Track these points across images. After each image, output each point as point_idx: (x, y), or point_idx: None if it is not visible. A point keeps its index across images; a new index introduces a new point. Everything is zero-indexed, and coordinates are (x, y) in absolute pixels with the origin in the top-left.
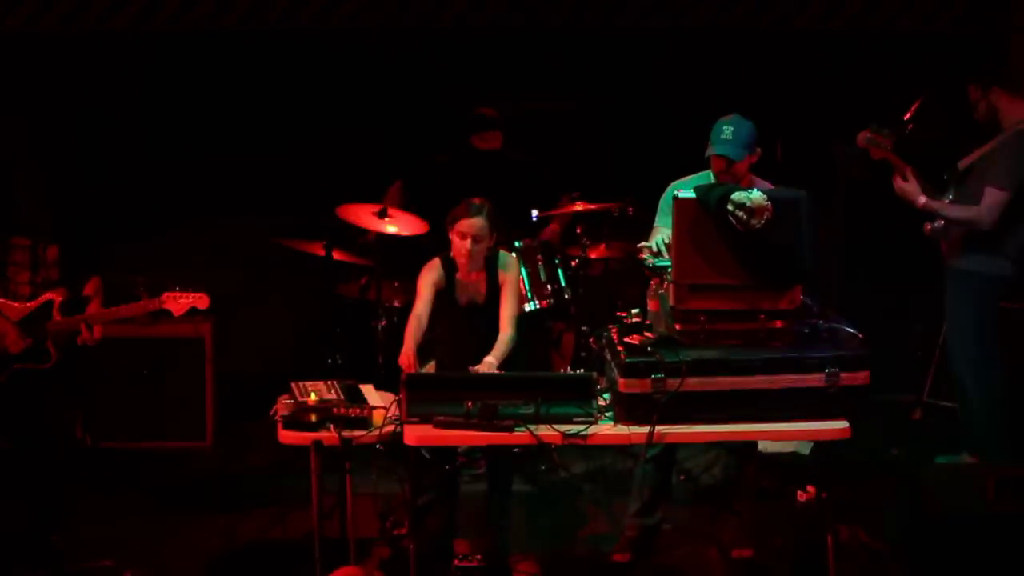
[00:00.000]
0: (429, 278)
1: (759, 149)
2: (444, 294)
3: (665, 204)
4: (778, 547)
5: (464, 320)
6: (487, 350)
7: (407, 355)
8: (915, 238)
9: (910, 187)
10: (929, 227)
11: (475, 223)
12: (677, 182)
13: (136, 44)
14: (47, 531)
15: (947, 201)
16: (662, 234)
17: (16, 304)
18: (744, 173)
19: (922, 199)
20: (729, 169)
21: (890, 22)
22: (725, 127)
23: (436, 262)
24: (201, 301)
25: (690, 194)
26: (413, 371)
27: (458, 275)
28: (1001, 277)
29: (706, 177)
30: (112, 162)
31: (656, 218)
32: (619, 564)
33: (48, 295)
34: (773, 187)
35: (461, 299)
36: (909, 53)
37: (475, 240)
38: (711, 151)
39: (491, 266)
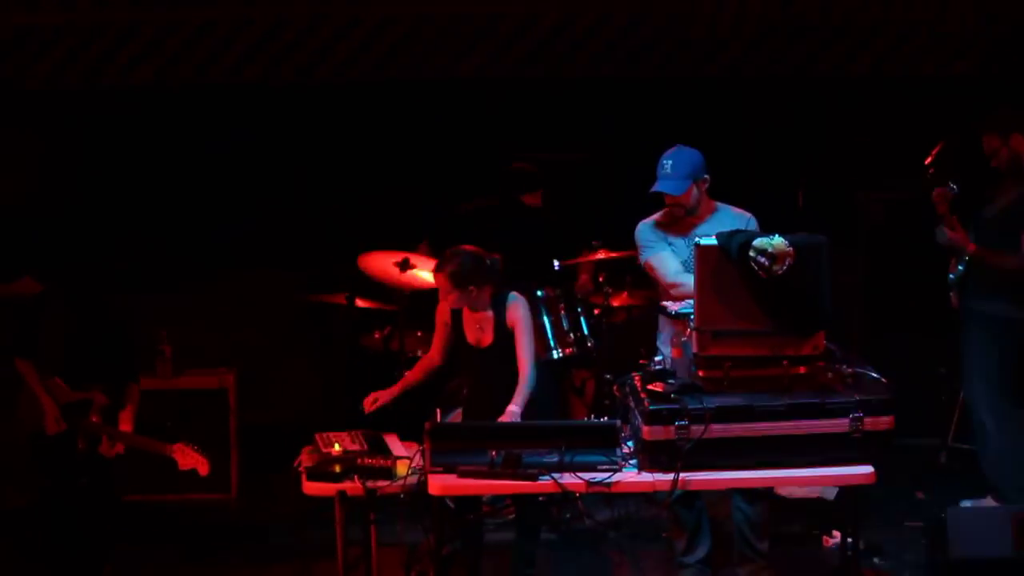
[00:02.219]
0: (439, 315)
1: (707, 176)
2: (454, 331)
3: (643, 239)
4: None
5: (475, 361)
6: (501, 392)
7: (379, 393)
8: (936, 282)
9: (959, 236)
10: (952, 273)
11: (436, 280)
12: (643, 221)
13: (159, 99)
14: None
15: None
16: (668, 262)
17: (65, 387)
18: (696, 202)
19: (972, 247)
20: (674, 201)
21: (910, 67)
22: (665, 162)
23: None
24: (203, 467)
25: (712, 241)
26: (369, 409)
27: (465, 312)
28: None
29: (670, 213)
30: (137, 215)
31: (642, 255)
32: None
33: (93, 393)
34: (740, 211)
35: (469, 337)
36: (929, 97)
37: (444, 294)
38: (652, 189)
39: (499, 307)
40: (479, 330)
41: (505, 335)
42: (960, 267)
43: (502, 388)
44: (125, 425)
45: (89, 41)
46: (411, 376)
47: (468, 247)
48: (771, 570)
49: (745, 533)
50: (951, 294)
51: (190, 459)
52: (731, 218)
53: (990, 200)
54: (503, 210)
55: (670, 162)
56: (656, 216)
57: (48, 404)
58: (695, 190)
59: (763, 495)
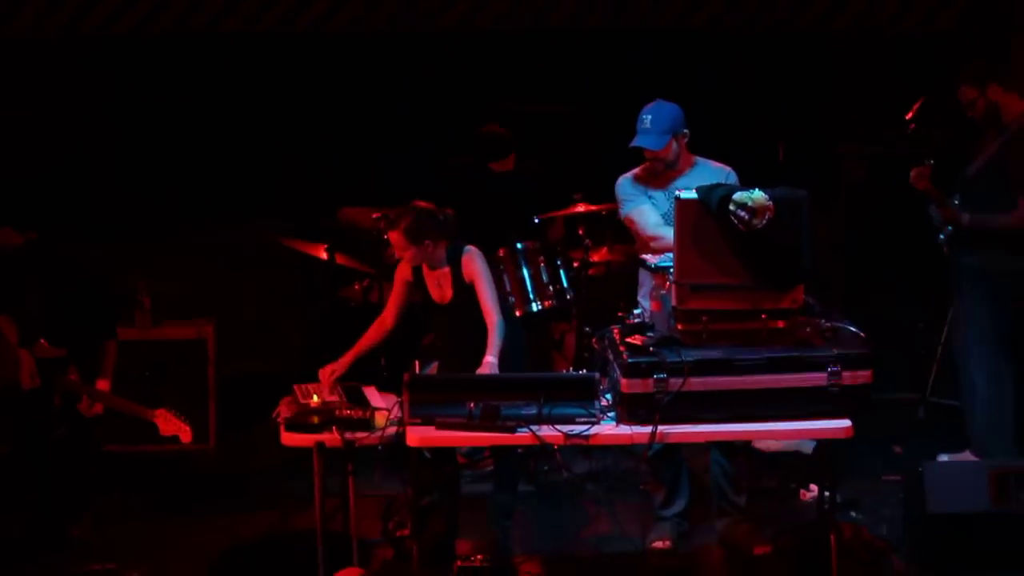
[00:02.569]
0: (399, 273)
1: (686, 131)
2: (418, 289)
3: (623, 192)
4: (781, 546)
5: (441, 317)
6: (470, 346)
7: (333, 365)
8: (916, 237)
9: (949, 213)
10: (943, 236)
11: (392, 237)
12: (623, 176)
13: (139, 48)
14: (65, 523)
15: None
16: (649, 215)
17: (44, 343)
18: (675, 157)
19: (966, 217)
20: (655, 155)
21: (891, 22)
22: (644, 116)
23: None
24: (185, 435)
25: (691, 194)
26: (327, 383)
27: (424, 269)
28: (1018, 274)
29: (651, 168)
30: (116, 165)
31: (622, 209)
32: (655, 551)
33: (65, 350)
34: (719, 164)
35: (434, 294)
36: (910, 53)
37: (401, 250)
38: (632, 144)
39: (454, 262)
40: (439, 287)
41: (464, 289)
42: (949, 227)
43: (470, 342)
44: (103, 384)
45: None
46: (364, 341)
47: (420, 203)
48: (748, 524)
49: (723, 487)
50: (944, 249)
51: (172, 425)
52: (710, 172)
53: (971, 157)
54: (477, 171)
55: (649, 116)
56: (635, 170)
57: (25, 359)
58: (674, 144)
59: (740, 449)
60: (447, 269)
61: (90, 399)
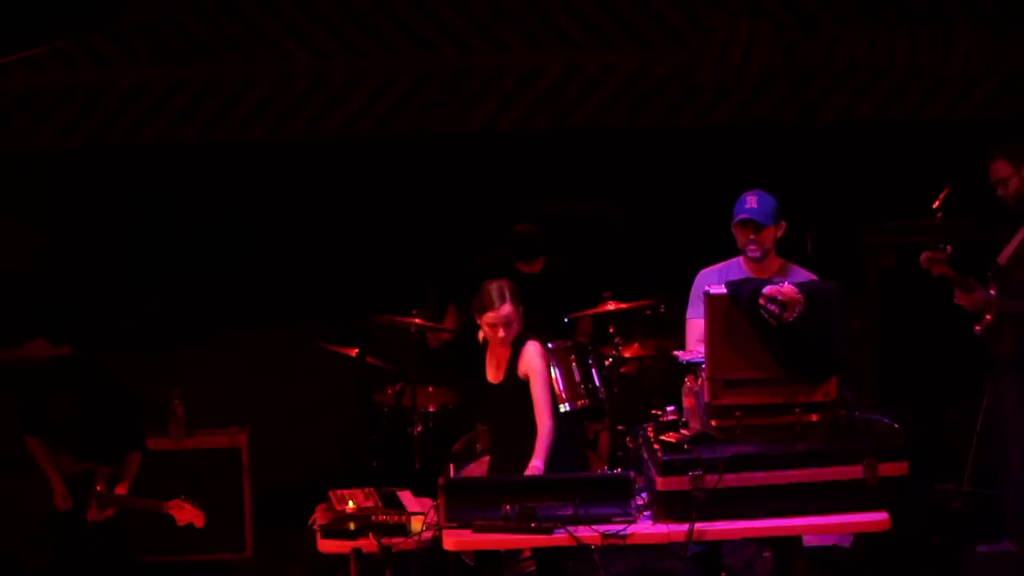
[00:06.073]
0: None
1: (784, 223)
2: (478, 363)
3: (694, 292)
4: None
5: (487, 397)
6: (509, 432)
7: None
8: (946, 324)
9: (980, 296)
10: (979, 328)
11: (501, 313)
12: (706, 270)
13: (165, 157)
14: None
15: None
16: (693, 334)
17: (71, 460)
18: (771, 246)
19: (996, 305)
20: (757, 236)
21: (914, 110)
22: (749, 197)
23: None
24: (199, 520)
25: (721, 290)
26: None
27: (491, 344)
28: None
29: (736, 265)
30: (149, 271)
31: (688, 309)
32: None
33: (92, 464)
34: (810, 275)
35: (489, 372)
36: (935, 141)
37: (506, 326)
38: (737, 218)
39: (516, 348)
40: (496, 367)
41: (514, 378)
42: (986, 315)
43: (510, 428)
44: (120, 490)
45: (96, 101)
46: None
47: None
48: None
49: None
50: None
51: (187, 514)
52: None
53: (1001, 245)
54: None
55: (755, 198)
56: (718, 266)
57: (56, 482)
58: (775, 232)
59: (798, 552)
60: (508, 351)
61: (99, 505)
